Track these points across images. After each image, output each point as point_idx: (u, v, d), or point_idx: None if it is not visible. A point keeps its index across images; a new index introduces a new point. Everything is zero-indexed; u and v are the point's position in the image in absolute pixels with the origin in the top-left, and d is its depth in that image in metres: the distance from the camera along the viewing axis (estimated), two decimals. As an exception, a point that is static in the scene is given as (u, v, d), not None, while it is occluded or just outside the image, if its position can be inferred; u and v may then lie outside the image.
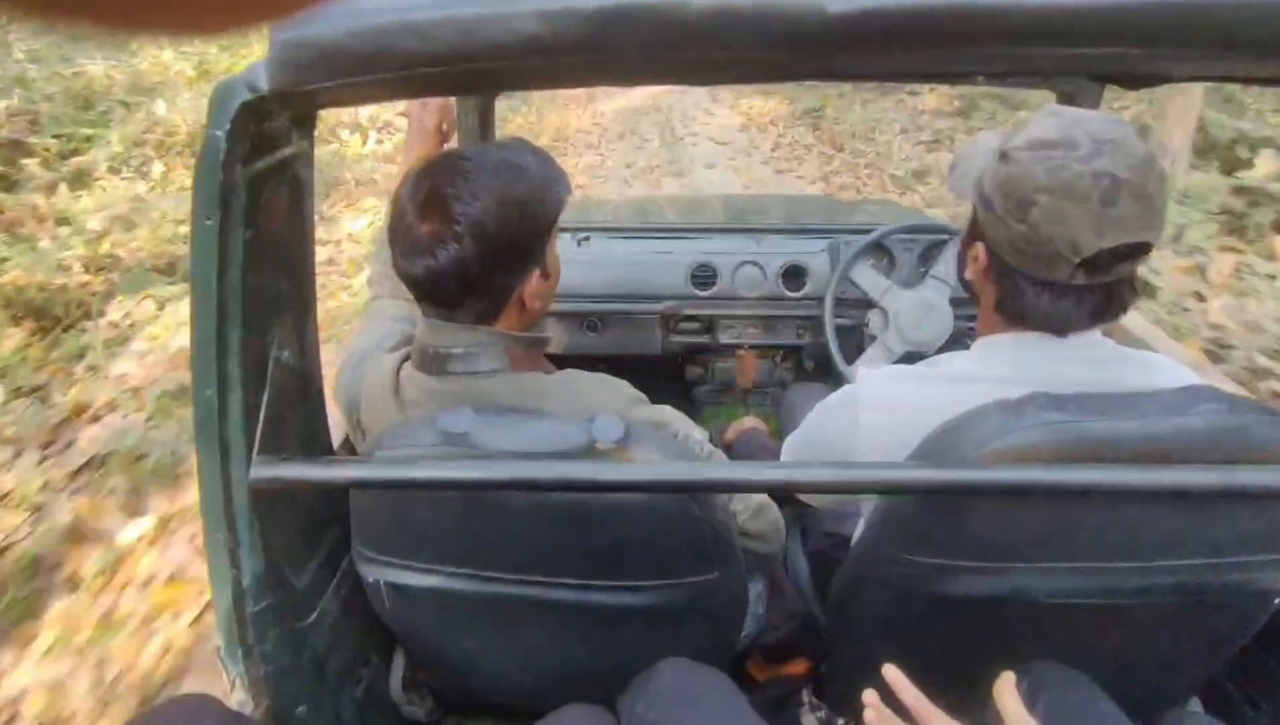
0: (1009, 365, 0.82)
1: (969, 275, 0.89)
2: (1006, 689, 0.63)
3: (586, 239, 1.83)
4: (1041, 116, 0.78)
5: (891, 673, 0.68)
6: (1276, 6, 0.56)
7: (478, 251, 0.80)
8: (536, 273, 0.87)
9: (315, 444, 0.92)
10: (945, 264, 1.55)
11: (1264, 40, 0.58)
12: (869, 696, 0.68)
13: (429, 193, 0.81)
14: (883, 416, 0.85)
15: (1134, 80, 0.79)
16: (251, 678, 0.85)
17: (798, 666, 1.18)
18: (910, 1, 0.56)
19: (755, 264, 1.75)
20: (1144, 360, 0.84)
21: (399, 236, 0.83)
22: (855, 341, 1.65)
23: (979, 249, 0.84)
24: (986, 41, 0.59)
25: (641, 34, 0.59)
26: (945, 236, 1.65)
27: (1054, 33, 0.58)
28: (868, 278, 1.60)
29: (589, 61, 0.64)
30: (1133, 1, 0.57)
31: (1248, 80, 0.76)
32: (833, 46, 0.60)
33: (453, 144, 1.21)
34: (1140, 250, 0.75)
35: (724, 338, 1.84)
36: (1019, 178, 0.75)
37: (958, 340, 1.51)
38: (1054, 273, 0.76)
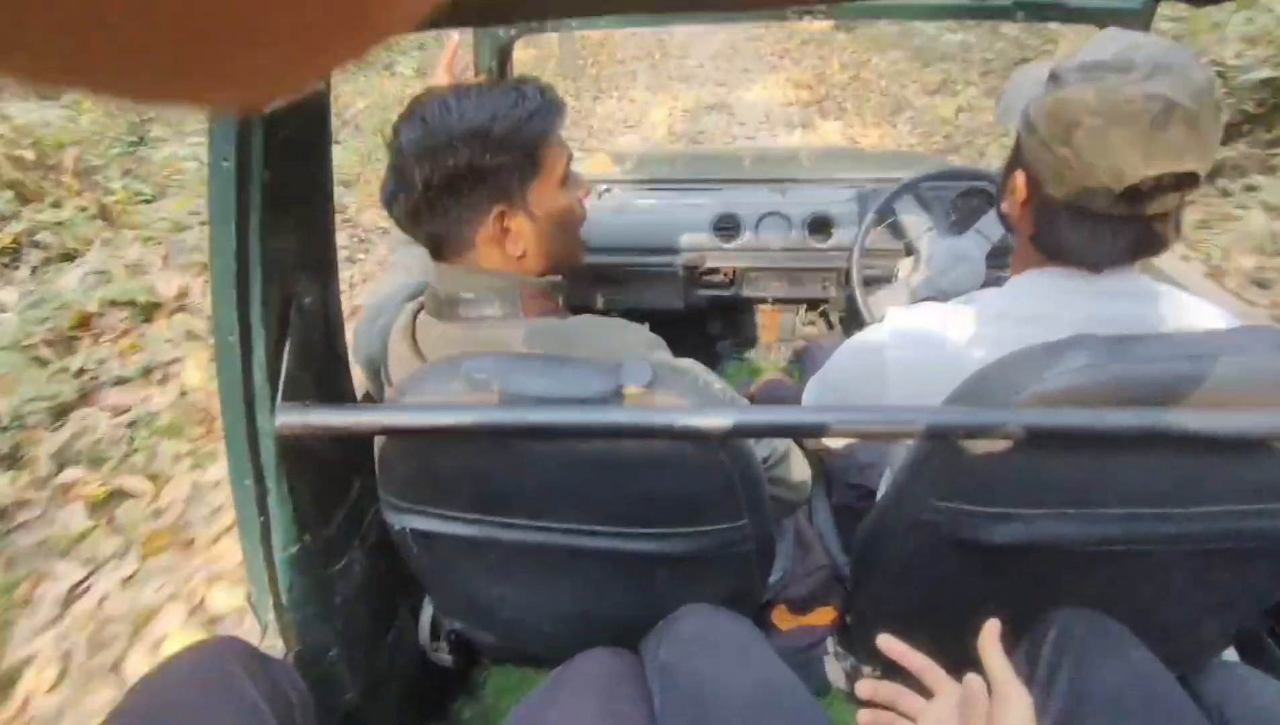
0: (1041, 303, 0.80)
1: (1005, 207, 0.85)
2: (991, 641, 0.61)
3: (608, 190, 1.80)
4: (1099, 40, 0.74)
5: (888, 643, 0.67)
6: None
7: (416, 193, 0.82)
8: (499, 211, 0.84)
9: (339, 391, 0.92)
10: (989, 218, 1.51)
11: None
12: (864, 687, 0.67)
13: (392, 134, 0.84)
14: (912, 353, 0.83)
15: None
16: (282, 623, 0.87)
17: (823, 616, 1.18)
18: None
19: (780, 215, 1.71)
20: (1181, 299, 0.81)
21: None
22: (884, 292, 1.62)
23: (1019, 178, 0.81)
24: None
25: None
26: (984, 183, 1.60)
27: None
28: (912, 216, 1.56)
29: None
30: None
31: None
32: None
33: None
34: (1186, 181, 0.71)
35: (748, 291, 1.81)
36: (1067, 100, 0.72)
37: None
38: (1094, 203, 0.73)
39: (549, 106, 0.85)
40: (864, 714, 0.67)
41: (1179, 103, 0.68)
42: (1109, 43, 0.74)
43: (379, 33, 0.14)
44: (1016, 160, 0.82)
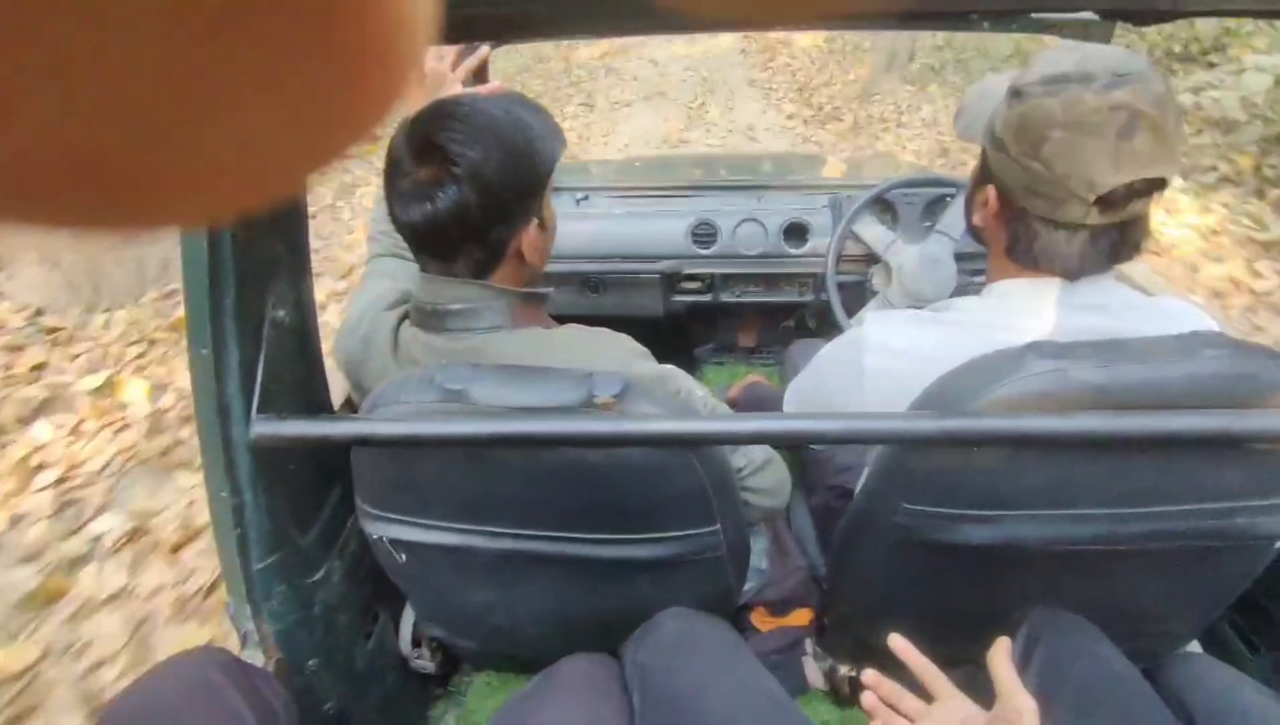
0: (1020, 311, 0.81)
1: (977, 221, 0.86)
2: (1000, 656, 0.63)
3: (585, 198, 1.81)
4: (1055, 52, 0.76)
5: (897, 641, 0.68)
6: None
7: (478, 197, 0.79)
8: (534, 224, 0.86)
9: (315, 402, 0.92)
10: (950, 218, 1.53)
11: None
12: (869, 698, 0.68)
13: (424, 138, 0.80)
14: (889, 361, 0.84)
15: (1145, 15, 0.76)
16: (261, 633, 0.87)
17: (801, 617, 1.20)
18: None
19: (756, 221, 1.73)
20: (1156, 306, 0.83)
21: (395, 184, 0.82)
22: (858, 298, 1.64)
23: (989, 192, 0.82)
24: None
25: None
26: (950, 190, 1.63)
27: None
28: (871, 231, 1.58)
29: (586, 6, 0.62)
30: None
31: (1260, 14, 0.73)
32: None
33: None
34: (1156, 186, 0.73)
35: (726, 297, 1.83)
36: (1032, 114, 0.73)
37: (961, 295, 1.50)
38: (1068, 212, 0.75)
39: (557, 125, 0.88)
40: (868, 697, 0.68)
41: (1143, 111, 0.69)
42: (1065, 54, 0.75)
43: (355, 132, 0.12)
44: (984, 174, 0.83)
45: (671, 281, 1.79)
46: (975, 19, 1.04)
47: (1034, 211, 0.77)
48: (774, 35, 8.50)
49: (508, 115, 0.82)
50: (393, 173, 0.82)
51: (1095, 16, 0.98)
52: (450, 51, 1.10)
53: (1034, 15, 1.14)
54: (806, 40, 8.54)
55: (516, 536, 0.86)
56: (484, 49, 1.12)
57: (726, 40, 9.03)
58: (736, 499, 0.86)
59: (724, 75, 7.79)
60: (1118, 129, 0.70)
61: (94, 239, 0.12)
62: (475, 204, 0.79)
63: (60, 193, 0.10)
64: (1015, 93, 0.76)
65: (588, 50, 8.69)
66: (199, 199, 0.12)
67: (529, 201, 0.85)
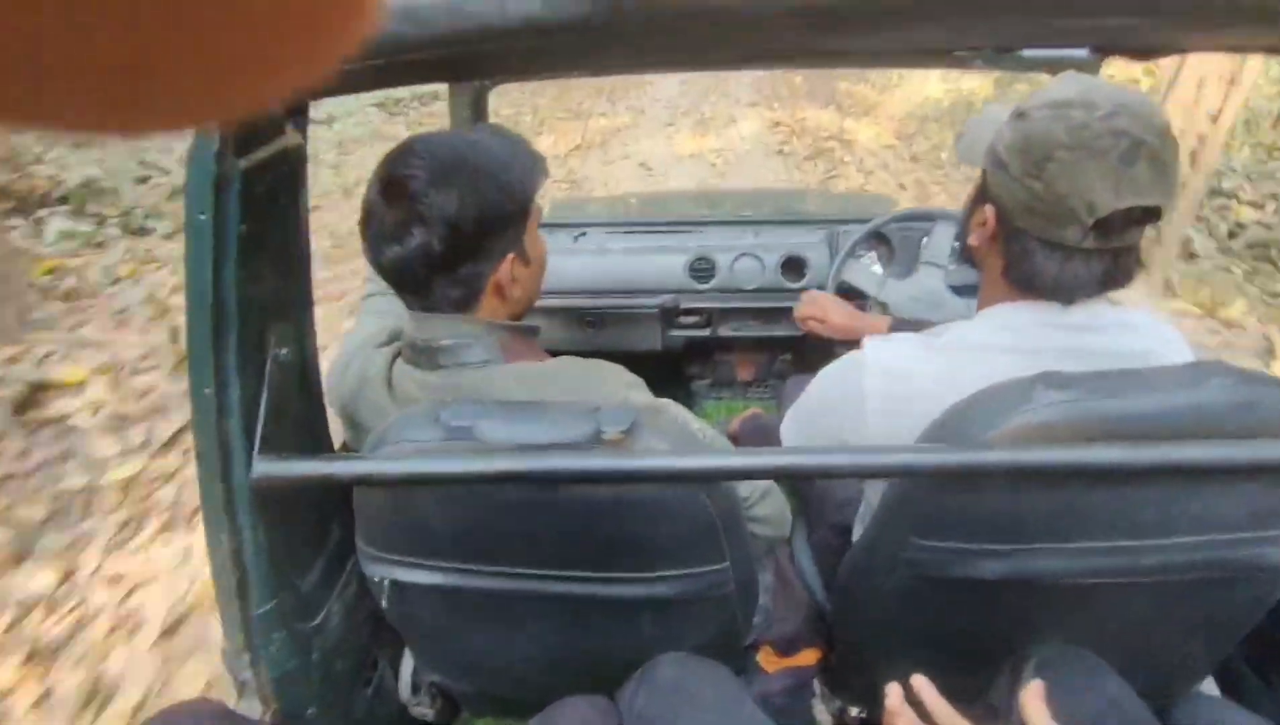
0: (1015, 334, 0.81)
1: (974, 241, 0.87)
2: (1034, 700, 0.62)
3: (583, 234, 1.82)
4: (1060, 81, 0.78)
5: (919, 681, 0.67)
6: None
7: (443, 236, 0.79)
8: (511, 258, 0.85)
9: (316, 442, 0.91)
10: (934, 247, 1.54)
11: (1263, 9, 0.57)
12: (892, 690, 0.67)
13: (389, 179, 0.81)
14: (889, 383, 0.83)
15: (1138, 52, 0.78)
16: (259, 681, 0.85)
17: (808, 657, 1.17)
18: None
19: (754, 256, 1.75)
20: (1148, 327, 0.83)
21: (367, 227, 0.83)
22: None
23: (987, 212, 0.83)
24: (991, 12, 0.58)
25: (637, 16, 0.58)
26: (950, 223, 1.64)
27: (1055, 3, 0.57)
28: (862, 276, 1.58)
29: (584, 46, 0.63)
30: None
31: (1249, 49, 0.75)
32: (833, 25, 0.59)
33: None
34: (1152, 215, 0.75)
35: (724, 331, 1.83)
36: (1037, 135, 0.75)
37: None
38: (1065, 234, 0.76)
39: (537, 155, 0.87)
40: (893, 699, 0.67)
41: (1145, 140, 0.71)
42: (1070, 83, 0.77)
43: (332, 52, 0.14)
44: (983, 195, 0.84)
45: (670, 316, 1.80)
46: (967, 56, 1.06)
47: (1032, 231, 0.78)
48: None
49: (475, 150, 0.82)
50: (366, 215, 0.83)
51: (1085, 53, 1.00)
52: None
53: (1025, 53, 1.17)
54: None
55: (520, 576, 0.84)
56: None
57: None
58: (745, 535, 0.85)
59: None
60: (1120, 154, 0.71)
61: (102, 135, 0.13)
62: (441, 243, 0.80)
63: (73, 85, 0.12)
64: (1020, 114, 0.77)
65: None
66: (203, 92, 0.13)
67: (501, 236, 0.84)
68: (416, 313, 0.87)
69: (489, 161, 0.82)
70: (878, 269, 1.61)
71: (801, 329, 1.43)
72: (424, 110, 7.67)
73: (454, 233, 0.80)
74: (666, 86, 8.95)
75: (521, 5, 0.57)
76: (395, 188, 0.80)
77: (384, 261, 0.82)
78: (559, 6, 0.56)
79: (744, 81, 9.08)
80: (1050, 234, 0.77)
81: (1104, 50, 0.89)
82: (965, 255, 0.91)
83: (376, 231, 0.82)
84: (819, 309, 1.37)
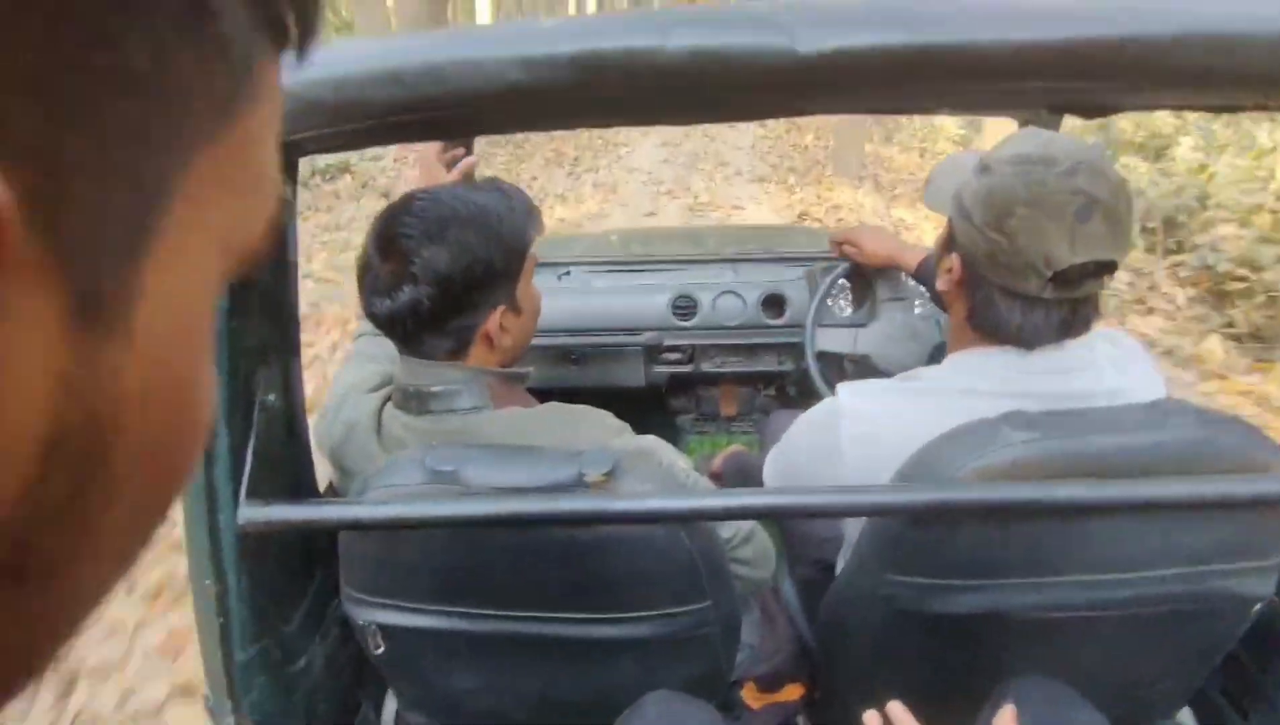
0: (982, 378, 0.84)
1: (941, 286, 0.91)
2: (1006, 723, 0.64)
3: (567, 273, 1.85)
4: (1022, 135, 0.83)
5: (895, 709, 0.68)
6: (1218, 40, 0.59)
7: (433, 293, 0.82)
8: (500, 310, 0.87)
9: (302, 487, 0.92)
10: (891, 286, 1.56)
11: (1208, 72, 0.61)
12: (869, 719, 0.68)
13: (385, 233, 0.83)
14: (866, 428, 0.86)
15: (1090, 110, 0.83)
16: None
17: (792, 692, 1.18)
18: (876, 42, 0.59)
19: (735, 293, 1.78)
20: (1114, 363, 0.86)
21: (363, 278, 0.85)
22: (837, 366, 1.67)
23: (954, 260, 0.87)
24: (950, 79, 0.61)
25: (617, 78, 0.61)
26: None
27: (1015, 70, 0.61)
28: (834, 339, 1.59)
29: (565, 105, 0.66)
30: (1088, 39, 0.60)
31: (1194, 108, 0.80)
32: (803, 85, 0.62)
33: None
34: (1107, 268, 0.79)
35: (706, 367, 1.85)
36: (999, 190, 0.78)
37: (938, 354, 1.51)
38: (1026, 285, 0.79)
39: (531, 207, 0.90)
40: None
41: (1099, 198, 0.75)
42: (1030, 137, 0.81)
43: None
44: (950, 243, 0.88)
45: (653, 353, 1.82)
46: (936, 106, 1.10)
47: (994, 280, 0.82)
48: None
49: (468, 207, 0.84)
50: (363, 266, 0.85)
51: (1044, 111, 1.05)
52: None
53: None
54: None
55: (504, 618, 0.85)
56: (471, 158, 1.14)
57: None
58: (727, 573, 0.86)
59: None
60: (1075, 212, 0.75)
61: None
62: (431, 300, 0.82)
63: None
64: (984, 167, 0.81)
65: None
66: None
67: (490, 291, 0.86)
68: (407, 358, 0.89)
69: (483, 217, 0.84)
70: (849, 311, 1.63)
71: (835, 254, 1.54)
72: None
73: (443, 290, 0.82)
74: (644, 152, 7.46)
75: (505, 71, 0.60)
76: (389, 244, 0.83)
77: (376, 312, 0.85)
78: (540, 73, 0.59)
79: (741, 145, 7.66)
80: (1012, 284, 0.80)
81: (1058, 109, 0.94)
82: (935, 299, 0.95)
83: (370, 284, 0.84)
84: (855, 236, 1.51)
